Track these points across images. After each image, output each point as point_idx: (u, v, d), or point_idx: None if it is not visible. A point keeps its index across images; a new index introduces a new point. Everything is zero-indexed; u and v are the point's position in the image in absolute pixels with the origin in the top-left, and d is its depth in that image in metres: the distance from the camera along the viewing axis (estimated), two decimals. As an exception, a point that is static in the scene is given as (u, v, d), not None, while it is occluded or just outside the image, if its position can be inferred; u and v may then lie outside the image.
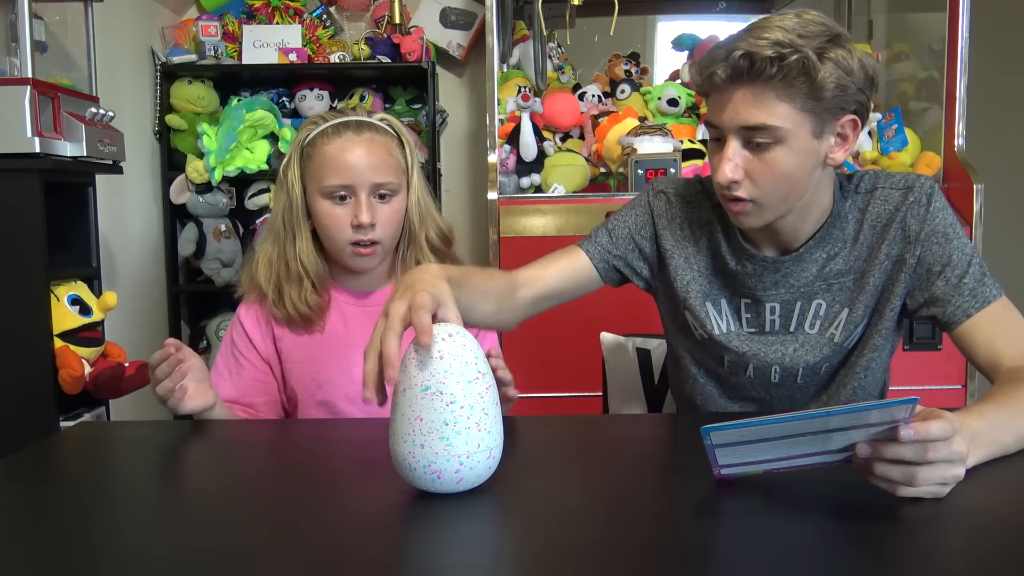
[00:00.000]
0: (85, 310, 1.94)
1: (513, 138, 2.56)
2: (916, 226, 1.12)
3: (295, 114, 3.01)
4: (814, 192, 1.10)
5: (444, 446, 0.79)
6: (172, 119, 2.84)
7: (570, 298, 1.25)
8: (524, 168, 2.57)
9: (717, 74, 1.02)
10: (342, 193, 1.25)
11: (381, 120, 1.30)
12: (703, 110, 2.65)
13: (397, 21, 2.93)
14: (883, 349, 1.18)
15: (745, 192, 1.07)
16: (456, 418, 0.79)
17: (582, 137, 2.66)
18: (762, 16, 1.05)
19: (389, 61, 2.90)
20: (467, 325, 0.89)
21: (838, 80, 1.00)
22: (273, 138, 2.83)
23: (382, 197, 1.27)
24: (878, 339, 1.16)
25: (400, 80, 3.08)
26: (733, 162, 1.05)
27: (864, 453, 0.77)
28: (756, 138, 1.03)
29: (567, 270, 1.23)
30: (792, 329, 1.19)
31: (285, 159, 1.31)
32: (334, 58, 2.90)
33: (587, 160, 2.56)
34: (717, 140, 1.08)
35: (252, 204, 2.94)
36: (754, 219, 1.10)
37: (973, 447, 0.83)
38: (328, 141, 1.26)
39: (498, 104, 2.44)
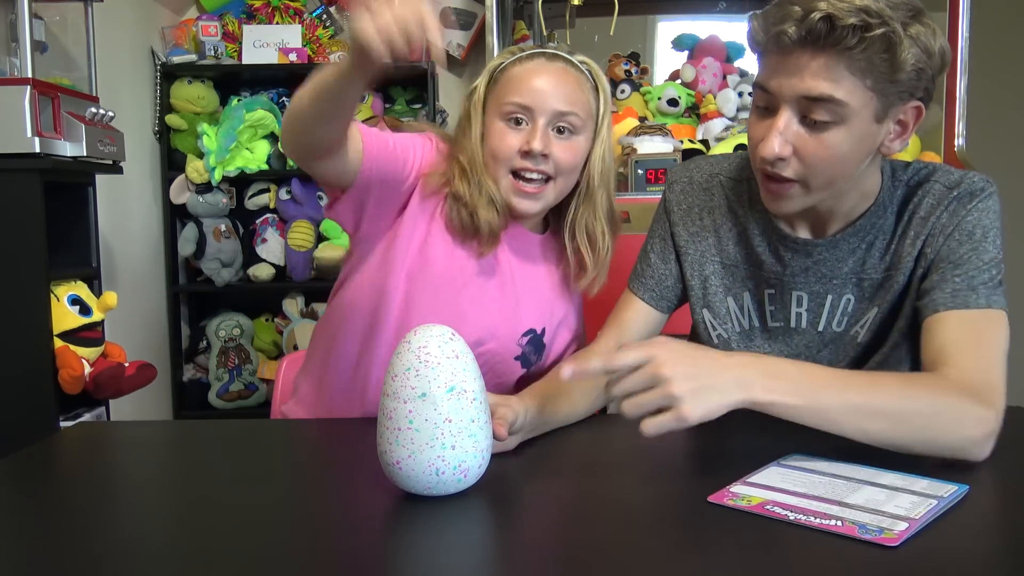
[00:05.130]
0: (85, 310, 1.94)
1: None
2: (947, 220, 1.02)
3: (295, 114, 3.00)
4: (857, 177, 1.00)
5: (472, 443, 0.80)
6: (172, 119, 2.84)
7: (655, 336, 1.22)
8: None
9: (787, 33, 0.89)
10: (519, 115, 1.17)
11: (582, 62, 1.22)
12: (703, 110, 2.64)
13: (397, 21, 2.92)
14: (901, 347, 1.09)
15: (791, 171, 0.96)
16: (478, 414, 0.81)
17: (582, 137, 2.66)
18: None
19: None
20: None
21: (917, 62, 0.90)
22: (273, 138, 2.83)
23: (560, 131, 1.17)
24: (897, 337, 1.08)
25: (400, 80, 3.08)
26: (783, 136, 0.94)
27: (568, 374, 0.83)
28: (814, 113, 0.92)
29: (636, 322, 1.18)
30: (820, 328, 1.11)
31: (472, 86, 1.23)
32: (334, 58, 2.90)
33: (587, 160, 2.56)
34: (766, 109, 0.97)
35: (252, 204, 2.95)
36: (795, 203, 1.00)
37: (763, 377, 0.82)
38: (518, 63, 1.20)
39: (498, 104, 2.44)
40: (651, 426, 0.79)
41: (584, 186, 1.23)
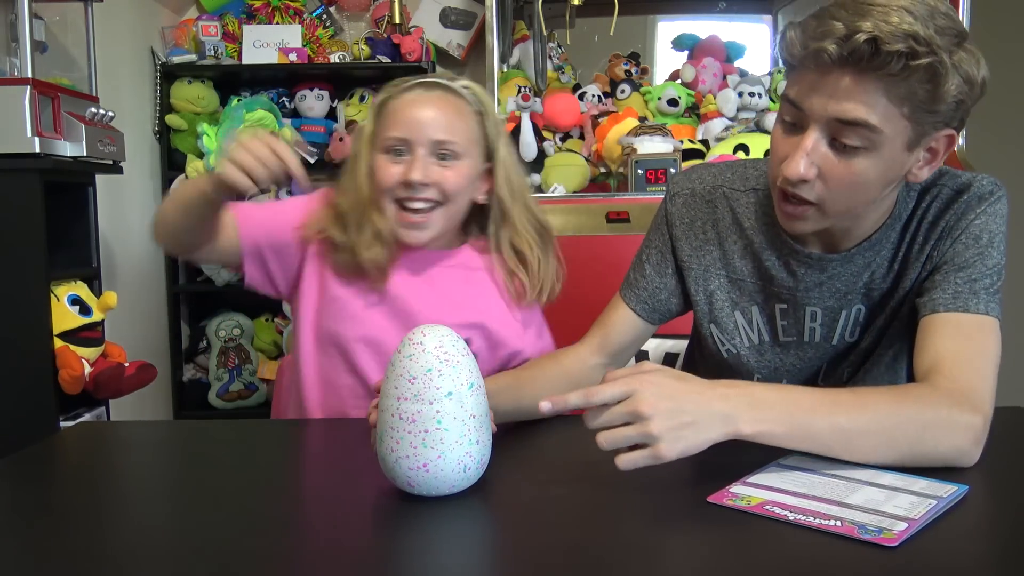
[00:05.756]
0: (85, 310, 1.94)
1: (513, 138, 2.56)
2: (954, 224, 0.99)
3: (295, 114, 3.01)
4: (880, 200, 0.97)
5: (488, 436, 0.83)
6: (172, 119, 2.84)
7: (641, 345, 1.21)
8: (524, 168, 2.56)
9: (827, 51, 0.85)
10: (399, 147, 1.18)
11: (464, 88, 1.23)
12: (703, 110, 2.64)
13: (397, 21, 2.93)
14: (902, 347, 1.08)
15: (812, 194, 0.93)
16: (486, 408, 0.84)
17: (582, 137, 2.66)
18: None
19: (389, 61, 2.90)
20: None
21: (959, 93, 0.86)
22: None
23: (442, 157, 1.18)
24: (895, 337, 1.07)
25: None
26: (810, 158, 0.90)
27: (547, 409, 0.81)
28: (845, 137, 0.89)
29: (622, 330, 1.17)
30: (835, 342, 1.09)
31: (360, 124, 1.26)
32: (334, 58, 2.90)
33: (587, 160, 2.56)
34: (793, 125, 0.93)
35: (252, 204, 2.95)
36: (810, 225, 0.98)
37: (748, 409, 0.80)
38: (397, 96, 1.21)
39: (498, 104, 2.44)
40: (626, 461, 0.78)
41: (498, 210, 1.25)
